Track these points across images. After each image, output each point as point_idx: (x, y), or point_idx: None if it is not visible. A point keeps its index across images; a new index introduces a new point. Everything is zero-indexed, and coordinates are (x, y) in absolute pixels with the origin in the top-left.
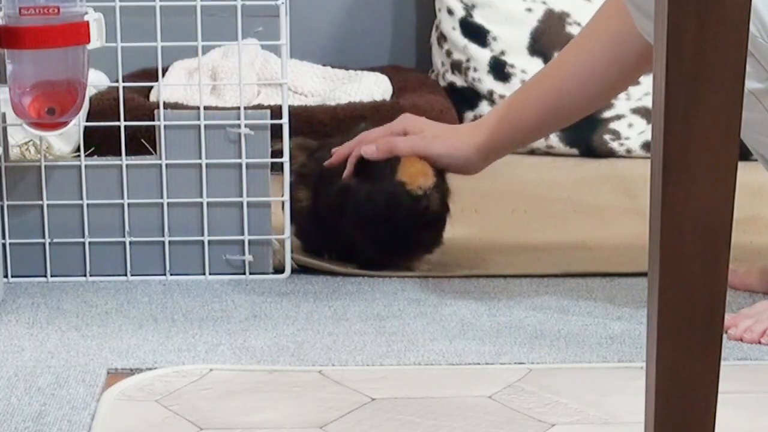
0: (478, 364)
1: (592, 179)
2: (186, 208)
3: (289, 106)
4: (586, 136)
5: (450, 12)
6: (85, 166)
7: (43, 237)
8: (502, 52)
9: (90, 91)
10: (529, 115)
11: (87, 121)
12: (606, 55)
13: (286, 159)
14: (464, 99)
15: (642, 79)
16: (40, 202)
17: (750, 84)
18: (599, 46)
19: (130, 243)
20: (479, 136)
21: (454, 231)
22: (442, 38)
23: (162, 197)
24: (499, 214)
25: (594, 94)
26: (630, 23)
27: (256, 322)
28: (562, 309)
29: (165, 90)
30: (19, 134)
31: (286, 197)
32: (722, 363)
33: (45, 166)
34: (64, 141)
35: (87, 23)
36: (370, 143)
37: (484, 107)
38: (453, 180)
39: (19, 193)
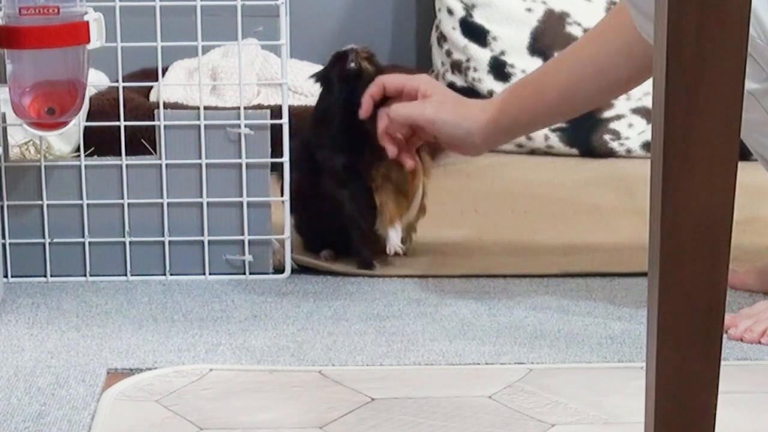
0: (478, 364)
1: (592, 179)
2: (186, 208)
3: (289, 106)
4: (586, 136)
5: (450, 12)
6: (85, 166)
7: (43, 237)
8: (502, 52)
9: (90, 91)
10: (541, 100)
11: (87, 121)
12: (618, 51)
13: (286, 159)
14: None
15: None
16: (40, 202)
17: (749, 85)
18: (611, 42)
19: (130, 243)
20: (487, 113)
21: (454, 231)
22: (442, 38)
23: (162, 197)
24: (499, 214)
25: (605, 88)
26: None
27: (256, 322)
28: (562, 309)
29: (165, 90)
30: (19, 134)
31: (286, 197)
32: (722, 363)
33: (45, 166)
34: (64, 141)
35: (87, 23)
36: (389, 83)
37: None
38: (453, 180)
39: (19, 193)
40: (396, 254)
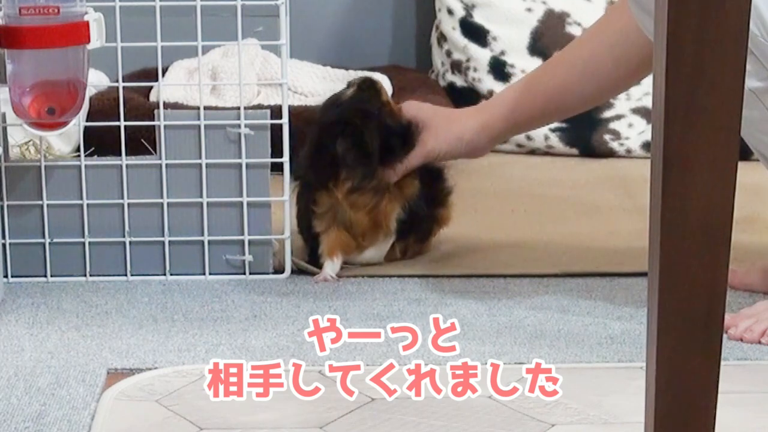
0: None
1: (592, 179)
2: (186, 208)
3: (289, 106)
4: (586, 136)
5: (450, 12)
6: (85, 166)
7: (43, 237)
8: (502, 52)
9: (90, 91)
10: (533, 106)
11: (87, 121)
12: (611, 53)
13: (286, 159)
14: (464, 99)
15: None
16: (40, 202)
17: (750, 83)
18: (604, 43)
19: (130, 243)
20: (480, 119)
21: (454, 231)
22: (442, 38)
23: (162, 197)
24: (499, 214)
25: (596, 91)
26: (636, 24)
27: (256, 322)
28: (562, 309)
29: (165, 90)
30: (19, 134)
31: (286, 197)
32: (722, 363)
33: (45, 166)
34: (64, 141)
35: (87, 23)
36: None
37: None
38: (453, 180)
39: (19, 193)
40: (325, 280)
